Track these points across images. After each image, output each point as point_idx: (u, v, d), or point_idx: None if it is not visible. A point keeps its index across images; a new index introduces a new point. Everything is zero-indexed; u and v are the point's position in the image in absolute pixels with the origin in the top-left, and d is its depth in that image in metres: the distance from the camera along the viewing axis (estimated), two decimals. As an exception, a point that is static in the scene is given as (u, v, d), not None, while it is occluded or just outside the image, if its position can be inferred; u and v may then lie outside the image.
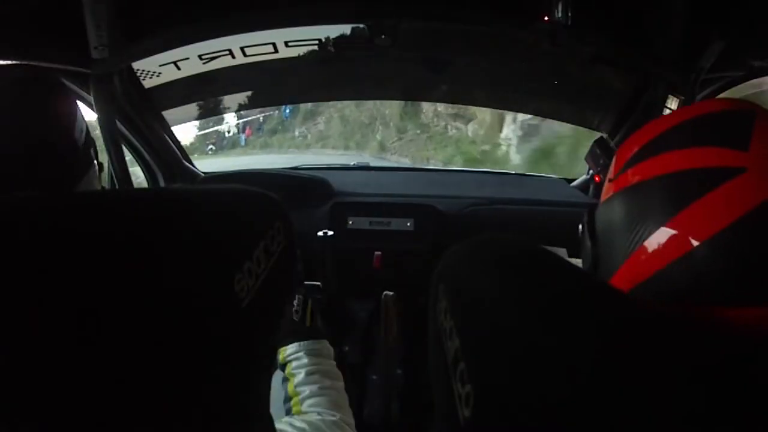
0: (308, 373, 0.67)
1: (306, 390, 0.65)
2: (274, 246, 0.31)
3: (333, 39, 1.24)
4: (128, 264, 0.23)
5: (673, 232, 0.32)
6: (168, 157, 1.33)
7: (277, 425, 0.50)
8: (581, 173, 1.54)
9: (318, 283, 1.15)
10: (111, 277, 0.22)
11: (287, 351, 0.70)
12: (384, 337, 1.08)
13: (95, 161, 0.52)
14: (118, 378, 0.22)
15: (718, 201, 0.30)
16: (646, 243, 0.33)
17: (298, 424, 0.56)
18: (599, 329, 0.19)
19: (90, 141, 0.51)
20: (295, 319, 0.73)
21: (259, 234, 0.30)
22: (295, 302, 0.75)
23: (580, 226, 0.43)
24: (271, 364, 0.34)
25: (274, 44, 1.24)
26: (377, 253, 1.25)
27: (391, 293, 1.05)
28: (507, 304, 0.22)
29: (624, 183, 0.37)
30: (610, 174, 0.39)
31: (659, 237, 0.32)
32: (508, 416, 0.19)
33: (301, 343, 0.70)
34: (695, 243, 0.31)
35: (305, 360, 0.69)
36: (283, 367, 0.70)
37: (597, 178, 1.32)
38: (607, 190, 0.39)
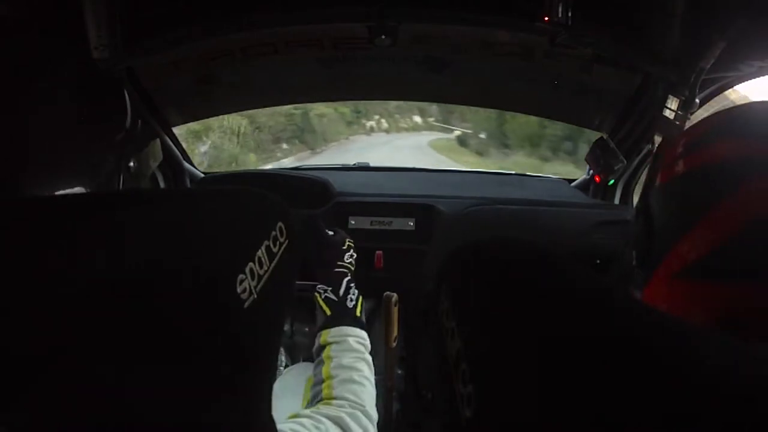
0: (353, 359, 0.65)
1: (344, 374, 0.63)
2: (277, 247, 0.31)
3: (333, 39, 1.24)
4: (129, 264, 0.23)
5: (731, 209, 0.34)
6: (168, 158, 1.33)
7: (285, 425, 0.48)
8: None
9: (317, 283, 1.15)
10: (110, 278, 0.22)
11: (330, 333, 0.69)
12: (384, 337, 1.07)
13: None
14: (117, 379, 0.22)
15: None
16: (704, 220, 0.35)
17: (308, 422, 0.52)
18: (600, 332, 0.19)
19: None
20: (348, 306, 0.74)
21: (262, 235, 0.30)
22: (352, 291, 0.77)
23: (635, 209, 0.45)
24: (274, 364, 0.34)
25: (274, 44, 1.25)
26: (378, 252, 1.25)
27: (392, 293, 1.05)
28: (509, 306, 0.22)
29: (684, 168, 0.39)
30: (668, 159, 0.42)
31: (717, 213, 0.34)
32: (509, 417, 0.19)
33: (349, 328, 0.70)
34: (752, 218, 0.33)
35: (352, 345, 0.68)
36: (322, 349, 0.68)
37: (597, 178, 1.32)
38: (665, 174, 0.41)
